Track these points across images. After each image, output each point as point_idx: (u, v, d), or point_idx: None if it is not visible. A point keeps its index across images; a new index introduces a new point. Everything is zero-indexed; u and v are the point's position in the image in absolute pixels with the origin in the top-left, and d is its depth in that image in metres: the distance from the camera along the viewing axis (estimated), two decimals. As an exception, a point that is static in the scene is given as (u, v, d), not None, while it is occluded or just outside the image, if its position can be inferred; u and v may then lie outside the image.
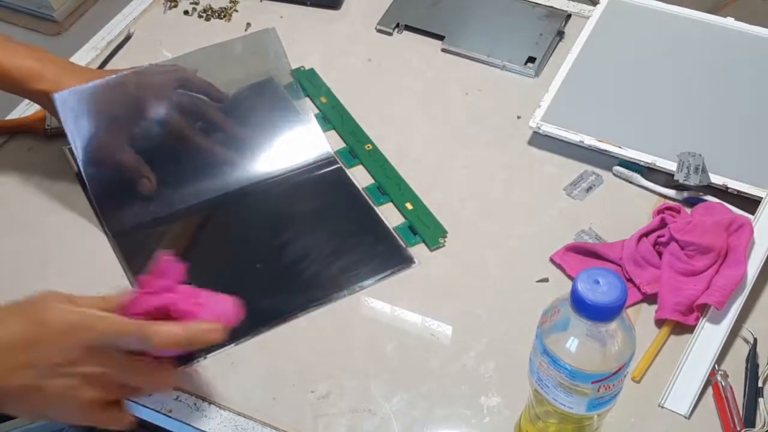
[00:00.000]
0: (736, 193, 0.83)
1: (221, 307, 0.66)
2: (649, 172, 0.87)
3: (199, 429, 0.71)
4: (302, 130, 0.91)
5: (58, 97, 0.78)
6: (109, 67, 1.00)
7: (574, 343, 0.56)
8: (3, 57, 0.80)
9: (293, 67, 0.97)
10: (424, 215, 0.84)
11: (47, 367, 0.60)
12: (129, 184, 0.84)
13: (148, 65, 0.90)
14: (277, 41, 0.91)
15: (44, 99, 0.81)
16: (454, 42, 1.02)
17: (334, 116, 0.94)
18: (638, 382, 0.72)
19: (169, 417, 0.72)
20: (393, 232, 0.83)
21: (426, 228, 0.83)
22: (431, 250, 0.82)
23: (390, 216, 0.85)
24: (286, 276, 0.80)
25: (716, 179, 0.83)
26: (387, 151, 0.90)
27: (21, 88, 0.81)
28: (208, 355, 0.74)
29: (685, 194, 0.85)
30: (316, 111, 0.95)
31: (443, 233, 0.83)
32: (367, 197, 0.86)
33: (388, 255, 0.81)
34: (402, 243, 0.82)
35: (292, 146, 0.89)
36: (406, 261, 0.81)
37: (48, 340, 0.60)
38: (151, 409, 0.72)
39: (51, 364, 0.60)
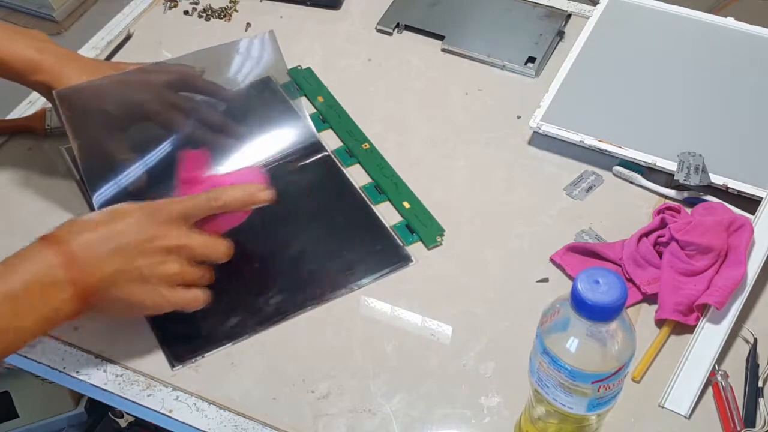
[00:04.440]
0: (736, 193, 0.83)
1: (253, 176, 0.77)
2: (649, 172, 0.87)
3: (199, 429, 0.71)
4: (295, 126, 0.91)
5: (58, 94, 0.78)
6: (109, 66, 1.00)
7: (574, 343, 0.56)
8: (2, 46, 0.80)
9: (292, 66, 0.98)
10: (422, 214, 0.84)
11: (132, 248, 0.68)
12: (127, 183, 0.84)
13: (154, 63, 0.90)
14: (276, 44, 0.91)
15: (44, 90, 0.81)
16: (454, 42, 1.02)
17: (331, 115, 0.94)
18: (638, 382, 0.72)
19: (169, 417, 0.72)
20: (390, 230, 0.83)
21: (423, 227, 0.83)
22: (428, 249, 0.82)
23: (387, 215, 0.85)
24: (283, 276, 0.80)
25: (716, 179, 0.83)
26: (387, 151, 0.90)
27: (20, 79, 0.81)
28: (206, 355, 0.75)
29: (686, 194, 0.85)
30: (313, 110, 0.95)
31: (440, 232, 0.83)
32: (363, 196, 0.86)
33: (385, 254, 0.81)
34: (399, 242, 0.82)
35: (283, 139, 0.90)
36: (403, 259, 0.81)
37: (129, 225, 0.69)
38: (151, 409, 0.72)
39: (135, 244, 0.68)
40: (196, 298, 0.72)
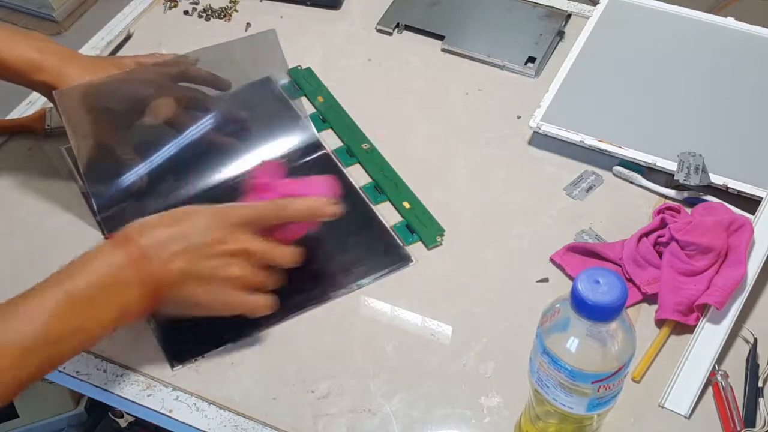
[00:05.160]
0: (736, 193, 0.83)
1: (325, 187, 0.77)
2: (649, 172, 0.87)
3: (199, 429, 0.71)
4: (295, 126, 0.91)
5: (59, 94, 0.78)
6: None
7: (574, 343, 0.56)
8: (3, 47, 0.80)
9: (292, 66, 0.98)
10: (422, 214, 0.84)
11: (198, 249, 0.69)
12: (128, 183, 0.84)
13: (150, 55, 0.90)
14: (276, 43, 0.91)
15: (45, 90, 0.81)
16: (454, 42, 1.02)
17: (331, 115, 0.94)
18: (638, 382, 0.72)
19: (169, 417, 0.72)
20: (390, 230, 0.83)
21: (423, 227, 0.83)
22: (428, 249, 0.82)
23: (387, 215, 0.85)
24: (283, 276, 0.80)
25: (716, 179, 0.83)
26: (387, 151, 0.90)
27: (22, 79, 0.81)
28: (206, 355, 0.75)
29: (686, 194, 0.85)
30: (313, 110, 0.95)
31: (440, 232, 0.83)
32: (363, 196, 0.86)
33: (385, 254, 0.81)
34: (399, 242, 0.82)
35: (283, 139, 0.90)
36: (403, 260, 0.81)
37: (196, 227, 0.70)
38: (151, 409, 0.72)
39: (201, 245, 0.69)
40: (259, 303, 0.73)
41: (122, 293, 0.67)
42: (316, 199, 0.75)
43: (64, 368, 0.75)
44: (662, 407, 0.70)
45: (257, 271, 0.72)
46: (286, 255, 0.74)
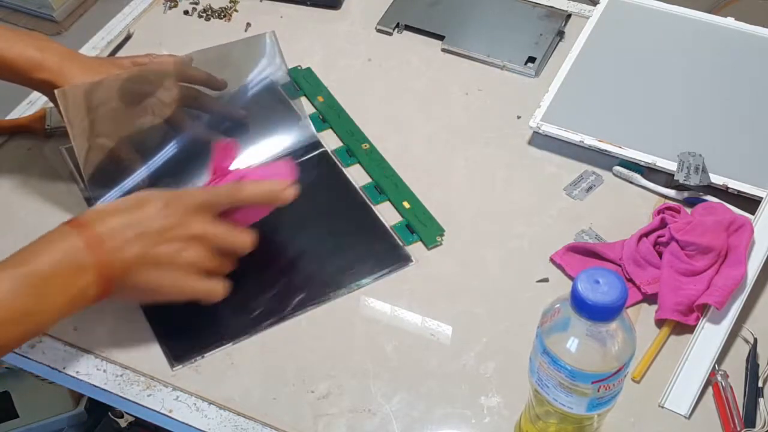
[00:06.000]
0: (736, 193, 0.83)
1: (283, 171, 0.77)
2: (649, 172, 0.87)
3: (199, 429, 0.71)
4: (295, 126, 0.91)
5: (60, 93, 0.78)
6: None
7: (574, 343, 0.56)
8: (3, 46, 0.80)
9: (292, 66, 0.98)
10: (422, 214, 0.84)
11: (154, 234, 0.69)
12: (128, 182, 0.84)
13: (146, 55, 0.90)
14: (276, 43, 0.91)
15: (46, 89, 0.81)
16: (454, 42, 1.02)
17: (331, 115, 0.94)
18: (638, 382, 0.72)
19: (169, 417, 0.72)
20: (390, 230, 0.83)
21: (423, 227, 0.83)
22: (428, 249, 0.82)
23: (387, 215, 0.85)
24: (283, 276, 0.80)
25: (716, 179, 0.83)
26: (387, 151, 0.90)
27: (22, 78, 0.81)
28: (206, 355, 0.75)
29: (686, 194, 0.85)
30: (313, 110, 0.95)
31: (440, 232, 0.83)
32: (363, 196, 0.86)
33: (385, 254, 0.81)
34: (399, 242, 0.82)
35: (282, 139, 0.90)
36: (403, 260, 0.81)
37: (151, 213, 0.70)
38: (151, 409, 0.72)
39: (156, 231, 0.69)
40: (213, 289, 0.73)
41: (79, 277, 0.66)
42: (273, 182, 0.75)
43: (64, 368, 0.75)
44: (662, 407, 0.70)
45: (213, 256, 0.73)
46: (243, 239, 0.74)
